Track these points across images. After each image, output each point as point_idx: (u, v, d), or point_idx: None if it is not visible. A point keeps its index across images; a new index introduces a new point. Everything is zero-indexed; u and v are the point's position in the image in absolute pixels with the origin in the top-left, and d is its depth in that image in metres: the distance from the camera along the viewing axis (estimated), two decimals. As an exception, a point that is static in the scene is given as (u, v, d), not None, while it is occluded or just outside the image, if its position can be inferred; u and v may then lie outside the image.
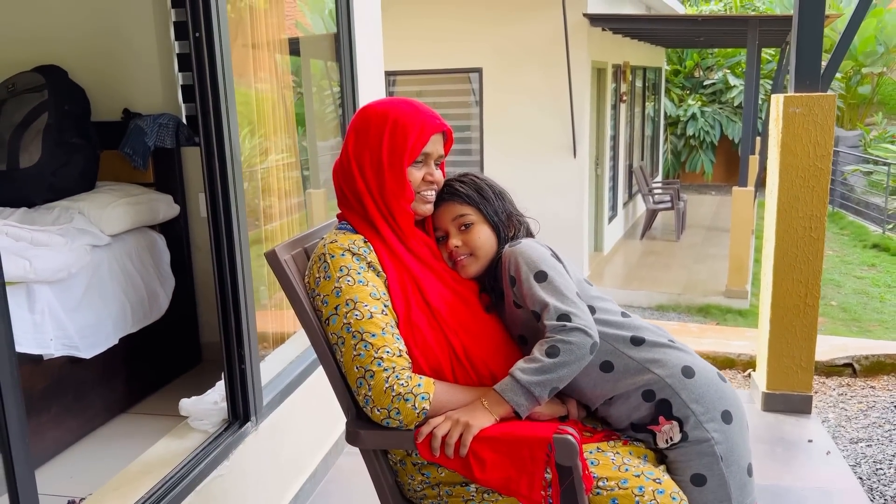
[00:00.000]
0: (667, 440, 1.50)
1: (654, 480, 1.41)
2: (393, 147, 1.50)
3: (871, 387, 4.16)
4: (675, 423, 1.50)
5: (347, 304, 1.43)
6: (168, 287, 3.13)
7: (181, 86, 3.26)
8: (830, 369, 4.26)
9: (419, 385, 1.40)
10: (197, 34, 1.96)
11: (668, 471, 1.51)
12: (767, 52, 14.43)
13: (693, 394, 1.51)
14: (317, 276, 1.49)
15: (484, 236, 1.61)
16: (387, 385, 1.38)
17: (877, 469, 3.23)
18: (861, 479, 3.05)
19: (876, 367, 4.31)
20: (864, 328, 7.08)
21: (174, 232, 3.25)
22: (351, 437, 1.46)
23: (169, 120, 3.14)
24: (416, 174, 1.53)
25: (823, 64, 3.22)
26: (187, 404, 2.25)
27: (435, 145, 1.56)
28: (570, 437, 1.35)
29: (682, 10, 14.17)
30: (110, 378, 2.79)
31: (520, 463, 1.38)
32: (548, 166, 8.17)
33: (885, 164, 12.08)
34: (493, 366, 1.51)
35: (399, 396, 1.38)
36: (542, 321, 1.46)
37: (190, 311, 3.32)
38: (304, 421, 2.62)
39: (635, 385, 1.52)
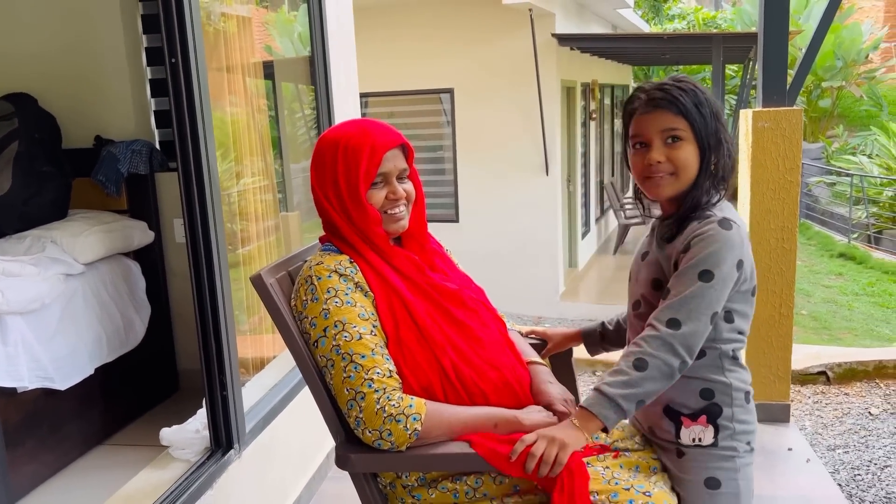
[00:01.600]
0: (694, 439, 1.51)
1: (643, 493, 1.42)
2: (347, 174, 1.48)
3: (846, 394, 4.23)
4: (711, 427, 1.51)
5: (336, 326, 1.42)
6: (144, 315, 3.08)
7: (154, 111, 3.24)
8: (805, 378, 4.33)
9: (411, 406, 1.39)
10: (173, 59, 1.95)
11: (680, 469, 1.53)
12: (731, 69, 14.74)
13: (742, 416, 1.53)
14: (304, 298, 1.48)
15: (692, 157, 1.49)
16: (378, 406, 1.37)
17: (855, 475, 3.27)
18: (840, 485, 3.09)
19: (849, 375, 4.39)
20: (834, 336, 7.20)
21: (149, 259, 3.21)
22: (341, 461, 1.44)
23: (142, 146, 3.12)
24: (377, 195, 1.51)
25: (789, 80, 3.30)
26: (168, 433, 2.21)
27: (392, 162, 1.52)
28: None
29: (647, 28, 14.46)
30: (87, 409, 2.74)
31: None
32: (521, 184, 8.23)
33: (847, 174, 12.39)
34: (483, 384, 1.51)
35: (391, 417, 1.37)
36: (659, 303, 1.45)
37: (167, 339, 3.28)
38: (287, 446, 2.59)
39: (700, 379, 1.51)
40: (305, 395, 2.68)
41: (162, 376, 3.24)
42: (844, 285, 9.34)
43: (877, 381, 4.39)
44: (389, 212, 1.53)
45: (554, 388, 1.61)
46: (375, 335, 1.44)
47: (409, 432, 1.38)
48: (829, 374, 4.35)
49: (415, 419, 1.38)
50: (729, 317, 1.50)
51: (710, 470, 1.50)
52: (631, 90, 14.66)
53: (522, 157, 8.20)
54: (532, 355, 1.73)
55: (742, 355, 1.58)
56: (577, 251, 9.71)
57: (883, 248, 11.10)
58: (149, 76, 3.20)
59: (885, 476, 3.26)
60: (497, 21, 7.94)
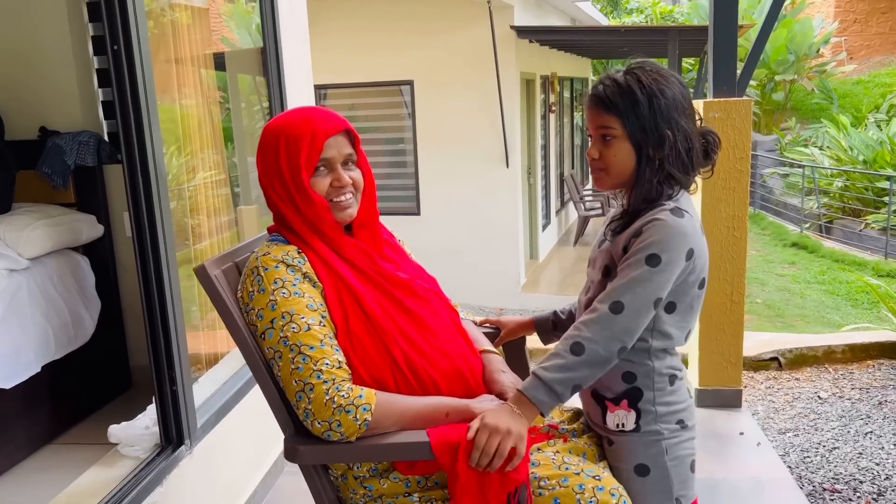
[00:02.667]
0: (618, 424, 1.53)
1: (593, 478, 1.43)
2: (289, 162, 1.46)
3: (796, 379, 4.34)
4: (633, 412, 1.52)
5: (283, 317, 1.40)
6: (94, 310, 3.01)
7: (102, 102, 3.16)
8: (758, 364, 4.43)
9: (360, 396, 1.38)
10: (115, 47, 1.90)
11: (612, 459, 1.54)
12: (688, 62, 14.98)
13: (665, 398, 1.52)
14: (250, 289, 1.46)
15: (623, 154, 1.49)
16: (327, 397, 1.35)
17: (804, 457, 3.36)
18: (790, 467, 3.17)
19: (799, 360, 4.50)
20: (787, 323, 7.38)
21: (99, 253, 3.13)
22: (290, 453, 1.42)
23: (89, 137, 3.03)
24: (321, 183, 1.49)
25: (739, 71, 3.36)
26: (117, 430, 2.16)
27: (335, 148, 1.49)
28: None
29: (605, 21, 14.59)
30: (33, 408, 2.66)
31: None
32: (482, 176, 8.25)
33: (800, 166, 12.69)
34: (435, 373, 1.50)
35: (340, 408, 1.35)
36: (606, 286, 1.45)
37: (118, 335, 3.21)
38: (241, 441, 2.55)
39: (624, 362, 1.50)
40: (259, 389, 2.66)
41: (113, 373, 3.17)
42: (797, 274, 9.58)
43: (826, 365, 4.50)
44: (335, 199, 1.51)
45: (506, 377, 1.61)
46: (324, 326, 1.42)
47: (360, 423, 1.37)
48: (781, 359, 4.45)
49: (365, 409, 1.37)
50: (671, 307, 1.49)
51: (638, 456, 1.52)
52: (590, 83, 14.81)
53: (483, 150, 8.21)
54: (485, 344, 1.73)
55: (675, 348, 1.57)
56: (537, 243, 9.78)
57: (833, 238, 11.41)
58: (95, 65, 3.12)
59: (833, 458, 3.35)
60: (456, 13, 7.93)
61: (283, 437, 1.47)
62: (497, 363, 1.67)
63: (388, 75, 8.30)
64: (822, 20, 17.23)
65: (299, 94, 3.33)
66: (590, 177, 14.72)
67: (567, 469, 1.45)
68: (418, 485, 1.49)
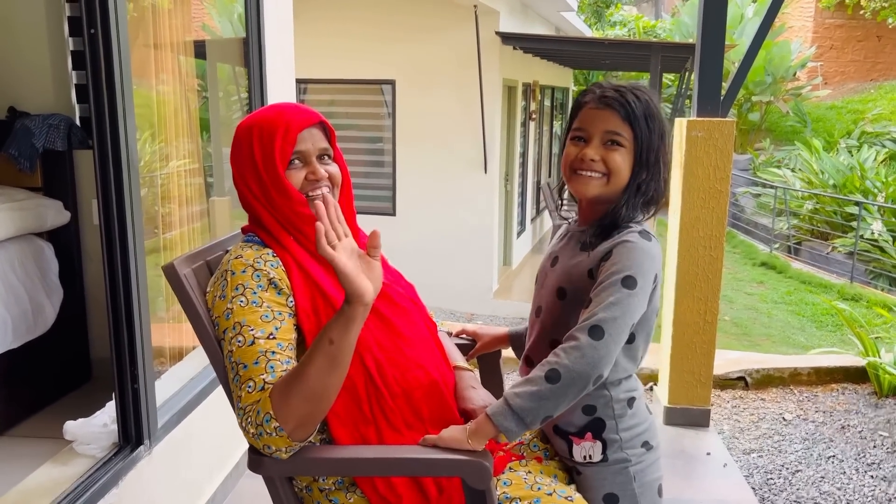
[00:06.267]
0: (585, 457, 1.50)
1: (565, 499, 1.41)
2: (263, 155, 1.42)
3: (762, 399, 4.37)
4: (599, 443, 1.49)
5: (234, 329, 1.34)
6: (56, 299, 2.91)
7: (75, 85, 3.06)
8: (725, 382, 4.45)
9: (258, 412, 1.27)
10: (92, 30, 1.83)
11: (580, 489, 1.51)
12: (668, 77, 15.13)
13: (626, 423, 1.50)
14: (214, 294, 1.41)
15: (625, 165, 1.47)
16: (244, 428, 1.30)
17: (768, 479, 3.37)
18: (754, 489, 3.18)
19: (766, 380, 4.53)
20: (753, 342, 7.46)
21: (64, 240, 3.03)
22: (254, 464, 1.37)
23: (60, 121, 2.93)
24: (297, 176, 1.44)
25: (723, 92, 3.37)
26: (73, 427, 2.08)
27: (309, 141, 1.45)
28: (482, 461, 1.32)
29: (589, 33, 14.67)
30: (-14, 398, 2.57)
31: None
32: (459, 180, 8.22)
33: (772, 187, 12.87)
34: (407, 384, 1.46)
35: (257, 436, 1.28)
36: (583, 310, 1.40)
37: (80, 325, 3.11)
38: (202, 442, 2.48)
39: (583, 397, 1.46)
40: (223, 390, 2.59)
41: (73, 365, 3.07)
42: (765, 293, 9.70)
43: (791, 387, 4.55)
44: (311, 194, 1.45)
45: (476, 394, 1.57)
46: (273, 339, 1.33)
47: (277, 435, 1.27)
48: (748, 379, 4.48)
49: (268, 420, 1.26)
50: (631, 337, 1.46)
51: (606, 486, 1.50)
52: (571, 93, 14.88)
53: (462, 154, 8.18)
54: (459, 359, 1.69)
55: (632, 374, 1.54)
56: (511, 249, 9.77)
57: (801, 259, 11.59)
58: (70, 47, 3.02)
59: (796, 480, 3.37)
60: (442, 14, 7.89)
61: (245, 439, 1.41)
62: (469, 379, 1.63)
63: (370, 73, 8.23)
64: (800, 44, 17.52)
65: (280, 88, 3.27)
66: (557, 179, 14.74)
67: (539, 489, 1.43)
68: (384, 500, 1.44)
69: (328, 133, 1.51)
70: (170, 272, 1.40)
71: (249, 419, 1.29)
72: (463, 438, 1.34)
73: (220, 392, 2.53)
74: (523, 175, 10.41)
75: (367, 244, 1.30)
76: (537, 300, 1.62)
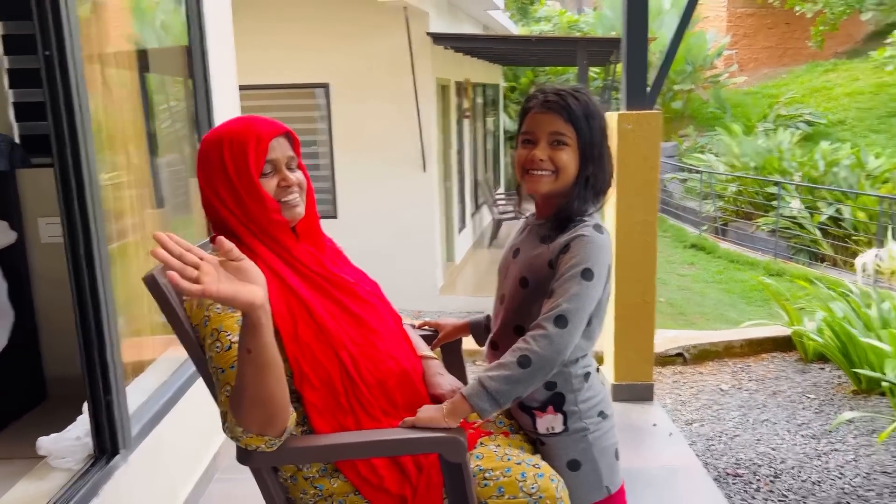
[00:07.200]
0: (548, 428, 1.64)
1: (533, 466, 1.54)
2: (236, 165, 1.49)
3: (700, 372, 4.64)
4: (560, 415, 1.63)
5: (212, 335, 1.42)
6: (6, 321, 2.88)
7: (13, 103, 3.03)
8: (665, 359, 4.70)
9: (224, 413, 1.39)
10: (47, 52, 1.86)
11: (545, 458, 1.65)
12: (594, 70, 15.53)
13: (584, 396, 1.65)
14: (192, 303, 1.48)
15: (572, 162, 1.60)
16: (224, 429, 1.40)
17: (710, 445, 3.61)
18: (698, 455, 3.40)
19: (702, 355, 4.81)
20: (689, 321, 7.80)
21: (11, 261, 3.00)
22: (242, 457, 1.45)
23: (0, 140, 2.91)
24: (269, 184, 1.52)
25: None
26: (46, 442, 2.10)
27: (279, 150, 1.53)
28: (458, 437, 1.44)
29: (516, 30, 14.95)
30: (-58, 423, 2.54)
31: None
32: (399, 180, 8.31)
33: (697, 171, 13.42)
34: (381, 375, 1.57)
35: (237, 439, 1.38)
36: (546, 301, 1.53)
37: (33, 345, 3.08)
38: (174, 449, 2.53)
39: None
40: (190, 397, 2.63)
41: (27, 385, 3.05)
42: (696, 274, 10.13)
43: (726, 359, 4.84)
44: (283, 199, 1.53)
45: (444, 380, 1.70)
46: None
47: (249, 437, 1.37)
48: (686, 355, 4.75)
49: (236, 424, 1.36)
50: (588, 320, 1.59)
51: (569, 453, 1.64)
52: (501, 90, 15.14)
53: (400, 154, 8.27)
54: (424, 349, 1.81)
55: (588, 352, 1.70)
56: (454, 245, 9.92)
57: (728, 239, 12.14)
58: (6, 66, 2.99)
59: (735, 444, 3.62)
60: (372, 17, 7.95)
61: (215, 441, 1.50)
62: (436, 367, 1.75)
63: (304, 77, 8.24)
64: (716, 34, 18.26)
65: (225, 95, 3.30)
66: (502, 181, 14.95)
67: (509, 460, 1.55)
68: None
69: (293, 142, 1.60)
70: (150, 282, 1.46)
71: (226, 423, 1.39)
72: (439, 417, 1.47)
73: (187, 400, 2.58)
74: (461, 172, 10.58)
75: (220, 252, 1.26)
76: (501, 289, 1.75)
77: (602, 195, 1.68)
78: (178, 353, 2.78)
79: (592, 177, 1.63)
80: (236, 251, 1.27)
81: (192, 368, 2.66)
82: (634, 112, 3.40)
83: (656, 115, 3.39)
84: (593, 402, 1.67)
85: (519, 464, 1.54)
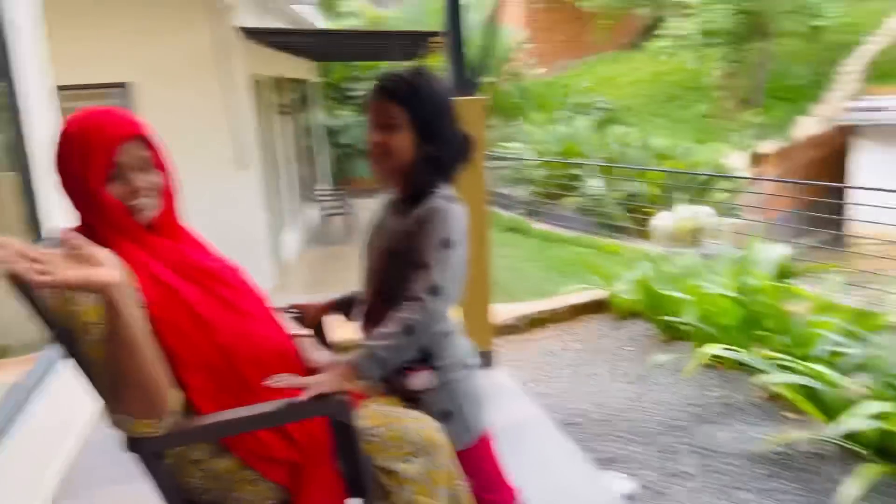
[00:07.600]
0: (420, 384, 1.78)
1: (414, 419, 1.67)
2: (83, 170, 1.48)
3: (533, 340, 5.03)
4: (429, 371, 1.77)
5: (82, 328, 1.42)
6: None
7: None
8: (501, 329, 5.04)
9: (106, 402, 1.45)
10: None
11: (419, 409, 1.79)
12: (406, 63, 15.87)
13: (449, 350, 1.80)
14: (55, 300, 1.44)
15: (405, 143, 1.68)
16: (109, 422, 1.44)
17: (549, 401, 3.95)
18: (540, 409, 3.72)
19: (533, 324, 5.21)
20: (516, 297, 8.31)
21: None
22: (131, 445, 1.44)
23: None
24: (117, 189, 1.51)
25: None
26: None
27: (131, 152, 1.52)
28: (343, 398, 1.54)
29: (323, 25, 14.90)
30: None
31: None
32: (219, 181, 8.04)
33: (507, 159, 14.23)
34: (259, 356, 1.61)
35: (122, 427, 1.44)
36: (414, 276, 1.61)
37: None
38: (16, 471, 2.35)
39: None
40: (27, 417, 2.46)
41: None
42: (516, 253, 10.77)
43: (549, 325, 5.27)
44: (130, 204, 1.53)
45: (321, 355, 1.79)
46: None
47: (133, 419, 1.41)
48: (519, 324, 5.12)
49: (112, 413, 1.43)
50: None
51: (441, 404, 1.79)
52: (316, 85, 15.03)
53: (217, 153, 8.00)
54: (294, 329, 1.88)
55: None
56: (281, 244, 9.78)
57: (541, 220, 13.03)
58: None
59: (570, 398, 4.00)
60: (176, 12, 7.62)
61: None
62: (309, 344, 1.83)
63: (105, 77, 7.71)
64: (514, 28, 19.38)
65: (36, 95, 3.08)
66: (329, 176, 14.84)
67: (391, 416, 1.68)
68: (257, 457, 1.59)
69: (148, 142, 1.58)
70: (16, 280, 1.40)
71: (109, 412, 1.41)
72: (328, 380, 1.54)
73: (21, 424, 2.41)
74: (287, 168, 10.43)
75: (65, 245, 1.33)
76: (368, 263, 1.85)
77: (449, 170, 1.79)
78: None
79: (437, 156, 1.73)
80: (75, 240, 1.32)
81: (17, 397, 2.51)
82: (461, 98, 3.61)
83: (481, 101, 3.64)
84: (456, 354, 1.83)
85: (400, 418, 1.66)
